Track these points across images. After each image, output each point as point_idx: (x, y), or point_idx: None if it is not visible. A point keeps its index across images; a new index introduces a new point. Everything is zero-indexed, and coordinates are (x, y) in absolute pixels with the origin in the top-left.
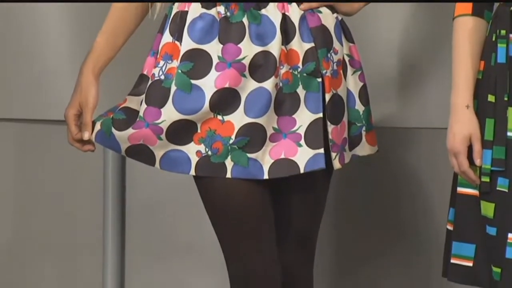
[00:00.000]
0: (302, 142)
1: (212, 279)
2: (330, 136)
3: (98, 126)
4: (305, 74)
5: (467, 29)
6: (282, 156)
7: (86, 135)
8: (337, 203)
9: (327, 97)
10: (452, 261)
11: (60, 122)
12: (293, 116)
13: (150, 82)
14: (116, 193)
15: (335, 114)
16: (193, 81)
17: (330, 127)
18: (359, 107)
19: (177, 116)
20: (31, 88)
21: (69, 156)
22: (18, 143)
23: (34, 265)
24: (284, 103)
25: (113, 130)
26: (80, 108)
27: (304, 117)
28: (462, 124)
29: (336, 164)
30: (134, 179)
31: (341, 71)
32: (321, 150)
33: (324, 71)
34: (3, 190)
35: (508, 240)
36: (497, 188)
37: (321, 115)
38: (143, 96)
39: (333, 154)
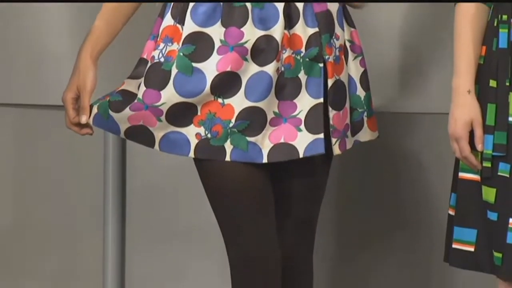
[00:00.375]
0: (302, 126)
1: (212, 263)
2: (331, 122)
3: (95, 110)
4: (307, 59)
5: (469, 15)
6: (282, 141)
7: (83, 119)
8: (337, 189)
9: (330, 82)
10: (454, 246)
11: (59, 107)
12: (294, 100)
13: (149, 64)
14: (116, 177)
15: (337, 99)
16: (194, 64)
17: (332, 113)
18: (360, 92)
19: (178, 98)
20: (30, 74)
21: (69, 141)
22: (17, 128)
23: (34, 251)
24: (285, 88)
25: (111, 112)
26: (78, 91)
27: (304, 102)
28: (464, 109)
29: (336, 150)
30: (134, 164)
31: (343, 57)
32: (321, 135)
33: (326, 57)
34: (3, 176)
35: (509, 225)
36: (498, 173)
37: (321, 100)
38: (142, 79)
39: (333, 140)
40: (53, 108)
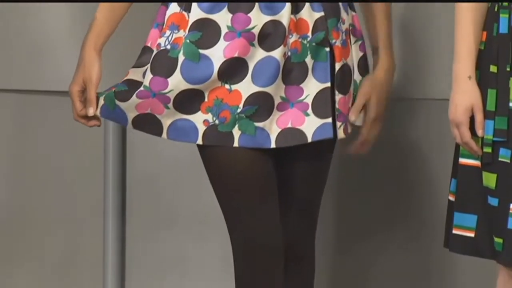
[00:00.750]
0: (310, 111)
1: (213, 251)
2: (337, 106)
3: (101, 101)
4: (314, 44)
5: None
6: (289, 125)
7: (90, 111)
8: (337, 178)
9: (337, 66)
10: (454, 232)
11: (59, 93)
12: (301, 85)
13: (155, 52)
14: (117, 165)
15: (344, 84)
16: (201, 51)
17: (338, 97)
18: (357, 77)
19: (185, 85)
20: (30, 59)
21: (69, 127)
22: (17, 114)
23: (34, 239)
24: (292, 72)
25: (117, 102)
26: (83, 84)
27: (311, 87)
28: (464, 95)
29: (341, 133)
30: (134, 149)
31: (349, 41)
32: (329, 120)
33: (333, 41)
34: (2, 163)
35: (510, 211)
36: (499, 159)
37: (329, 84)
38: (147, 66)
39: (338, 124)
40: (53, 94)
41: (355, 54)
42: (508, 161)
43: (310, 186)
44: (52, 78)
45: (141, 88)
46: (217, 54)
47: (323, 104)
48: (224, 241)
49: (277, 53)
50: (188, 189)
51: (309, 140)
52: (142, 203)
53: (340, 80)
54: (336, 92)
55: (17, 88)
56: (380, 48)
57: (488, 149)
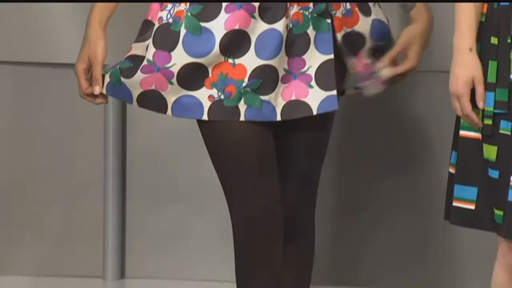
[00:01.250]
0: (313, 83)
1: (212, 224)
2: (353, 71)
3: (107, 78)
4: (315, 15)
5: None
6: (294, 98)
7: (96, 89)
8: (337, 149)
9: (339, 36)
10: (454, 204)
11: (59, 65)
12: (303, 57)
13: (157, 25)
14: (117, 137)
15: (354, 48)
16: (202, 24)
17: (351, 60)
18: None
19: (188, 59)
20: (30, 31)
21: (69, 100)
22: (17, 86)
23: (34, 209)
24: (294, 44)
25: (123, 79)
26: (89, 62)
27: (313, 58)
28: (465, 67)
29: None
30: (134, 123)
31: (357, 9)
32: (334, 92)
33: (333, 12)
34: (2, 134)
35: (511, 183)
36: (500, 131)
37: (332, 56)
38: (150, 40)
39: (368, 83)
40: (53, 66)
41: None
42: (509, 133)
43: (310, 158)
44: (52, 50)
45: (145, 63)
46: (218, 27)
47: (327, 76)
48: (223, 214)
49: (279, 25)
50: (187, 162)
51: (315, 112)
52: (142, 176)
53: (347, 47)
54: (347, 58)
55: (17, 60)
56: (418, 4)
57: (488, 121)
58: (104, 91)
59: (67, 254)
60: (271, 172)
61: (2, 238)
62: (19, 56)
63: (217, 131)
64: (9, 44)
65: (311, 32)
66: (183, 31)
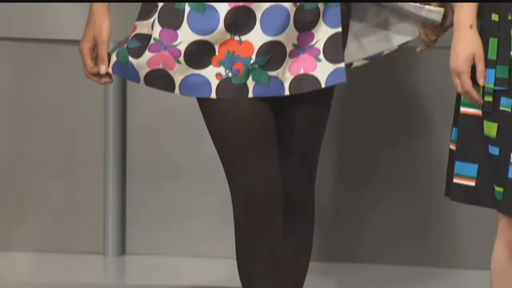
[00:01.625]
0: (321, 56)
1: (212, 201)
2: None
3: (114, 58)
4: None
5: None
6: (302, 72)
7: (102, 69)
8: (337, 125)
9: (345, 9)
10: (455, 180)
11: (60, 41)
12: (312, 31)
13: (161, 4)
14: (117, 114)
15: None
16: (206, 2)
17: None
18: None
19: (194, 37)
20: (30, 7)
21: (69, 77)
22: (17, 62)
23: (34, 186)
24: (305, 19)
25: (130, 58)
26: (94, 41)
27: (322, 32)
28: (466, 44)
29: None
30: (134, 101)
31: None
32: (342, 65)
33: None
34: (2, 111)
35: (511, 160)
36: (500, 108)
37: (340, 29)
38: (154, 18)
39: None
40: (54, 43)
41: None
42: (509, 110)
43: (310, 133)
44: (52, 27)
45: (152, 41)
46: (222, 4)
47: (335, 49)
48: (224, 191)
49: (286, 2)
50: (188, 140)
51: (323, 85)
52: (143, 153)
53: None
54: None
55: (17, 37)
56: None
57: (489, 98)
58: (110, 71)
59: (67, 230)
60: (271, 149)
61: (3, 215)
62: (19, 32)
63: (217, 110)
64: (9, 20)
65: (321, 6)
66: (187, 9)
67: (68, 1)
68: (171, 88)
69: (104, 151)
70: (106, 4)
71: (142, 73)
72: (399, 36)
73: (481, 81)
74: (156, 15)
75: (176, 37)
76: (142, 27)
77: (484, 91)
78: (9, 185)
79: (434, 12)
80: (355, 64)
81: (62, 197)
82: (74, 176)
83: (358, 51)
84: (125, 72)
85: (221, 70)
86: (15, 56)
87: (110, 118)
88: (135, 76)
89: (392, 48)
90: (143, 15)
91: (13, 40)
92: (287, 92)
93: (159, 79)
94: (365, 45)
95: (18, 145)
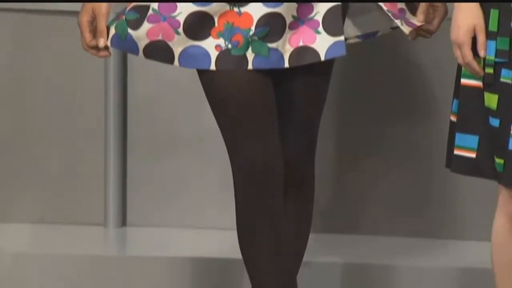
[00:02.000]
0: (321, 29)
1: (213, 174)
2: (384, 8)
3: (112, 30)
4: None
5: None
6: (301, 44)
7: (101, 42)
8: (338, 96)
9: None
10: (456, 152)
11: (59, 12)
12: (311, 3)
13: None
14: (118, 88)
15: None
16: None
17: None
18: None
19: (193, 8)
20: None
21: (70, 48)
22: (17, 34)
23: (34, 158)
24: None
25: (129, 30)
26: (93, 14)
27: (321, 4)
28: (467, 15)
29: (406, 28)
30: (135, 74)
31: None
32: (342, 37)
33: None
34: (2, 82)
35: (511, 132)
36: (501, 80)
37: (339, 3)
38: None
39: (398, 21)
40: (53, 14)
41: None
42: (510, 82)
43: (310, 105)
44: None
45: (151, 12)
46: None
47: (334, 22)
48: (224, 162)
49: None
50: (188, 112)
51: (322, 58)
52: (143, 124)
53: None
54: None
55: (16, 8)
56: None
57: (489, 70)
58: (109, 44)
59: (68, 201)
60: (271, 121)
61: (3, 186)
62: (19, 4)
63: (217, 82)
64: None
65: None
66: None
67: (67, 1)
68: (171, 60)
69: (105, 122)
70: None
71: (142, 45)
72: (392, 19)
73: (481, 53)
74: None
75: (175, 8)
76: None
77: (484, 63)
78: (9, 155)
79: (404, 27)
80: (348, 41)
81: (62, 168)
82: (75, 147)
83: (352, 28)
84: (124, 45)
85: (221, 41)
86: (15, 27)
87: (110, 89)
88: (134, 49)
89: (386, 31)
90: None
91: (13, 11)
92: (287, 65)
93: (158, 51)
94: (359, 23)
95: (18, 116)
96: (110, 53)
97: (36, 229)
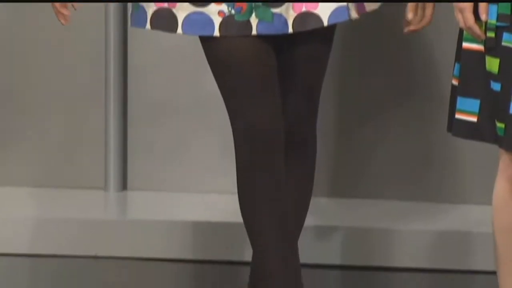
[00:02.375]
0: None
1: (213, 137)
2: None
3: (132, 11)
4: None
5: None
6: (304, 10)
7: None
8: (341, 57)
9: None
10: (457, 116)
11: None
12: None
13: None
14: (118, 52)
15: None
16: None
17: None
18: None
19: None
20: None
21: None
22: None
23: (35, 114)
24: None
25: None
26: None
27: None
28: None
29: (354, 14)
30: (136, 39)
31: None
32: (344, 3)
33: None
34: (3, 39)
35: None
36: (502, 44)
37: None
38: None
39: (351, 5)
40: None
41: None
42: (511, 46)
43: (312, 70)
44: None
45: None
46: None
47: None
48: (225, 127)
49: None
50: (189, 76)
51: (325, 24)
52: (144, 90)
53: None
54: None
55: None
56: None
57: (491, 34)
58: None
59: (68, 165)
60: (272, 86)
61: (3, 150)
62: None
63: (220, 48)
64: None
65: None
66: None
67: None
68: (174, 28)
69: (105, 86)
70: None
71: (149, 14)
72: None
73: (483, 16)
74: None
75: None
76: None
77: (486, 27)
78: (9, 119)
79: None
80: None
81: (63, 132)
82: (76, 111)
83: None
84: (136, 20)
85: (224, 7)
86: None
87: (111, 54)
88: (142, 22)
89: (374, 7)
90: None
91: None
92: (290, 30)
93: (163, 20)
94: None
95: (18, 79)
96: (66, 22)
97: (36, 192)
